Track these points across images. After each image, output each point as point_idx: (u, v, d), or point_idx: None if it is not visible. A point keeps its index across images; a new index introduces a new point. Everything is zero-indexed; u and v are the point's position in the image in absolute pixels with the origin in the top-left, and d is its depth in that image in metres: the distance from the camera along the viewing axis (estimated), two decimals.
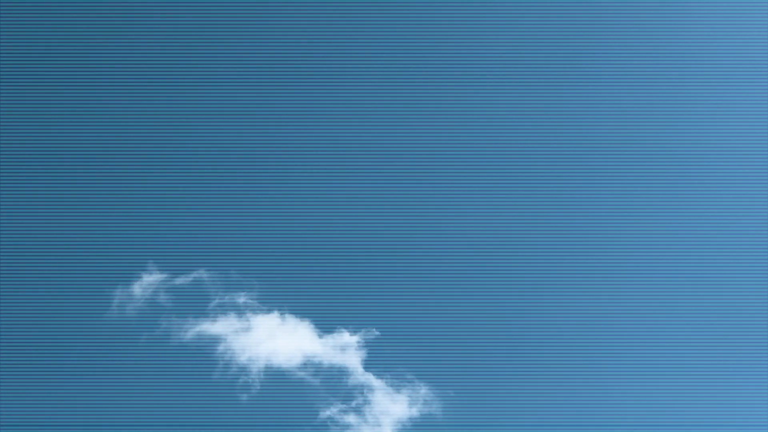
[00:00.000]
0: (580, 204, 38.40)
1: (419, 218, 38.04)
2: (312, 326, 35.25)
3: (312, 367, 34.59)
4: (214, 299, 35.70)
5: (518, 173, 38.98)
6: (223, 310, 35.49)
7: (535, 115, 40.23)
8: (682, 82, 40.74)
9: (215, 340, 34.88)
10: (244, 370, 34.37)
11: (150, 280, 36.01)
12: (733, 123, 39.98)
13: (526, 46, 41.57)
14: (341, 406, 33.83)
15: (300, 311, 35.40)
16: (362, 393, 34.12)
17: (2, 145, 38.64)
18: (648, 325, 35.83)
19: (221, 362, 34.42)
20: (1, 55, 39.91)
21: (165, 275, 36.07)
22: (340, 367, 34.67)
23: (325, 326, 35.26)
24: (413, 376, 34.20)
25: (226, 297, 35.70)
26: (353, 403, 33.93)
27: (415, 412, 33.83)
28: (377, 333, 35.23)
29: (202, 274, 36.03)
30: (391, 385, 34.15)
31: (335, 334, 35.18)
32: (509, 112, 40.33)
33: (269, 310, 35.46)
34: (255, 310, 35.48)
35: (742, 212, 38.14)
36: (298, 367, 34.55)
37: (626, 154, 39.53)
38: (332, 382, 34.41)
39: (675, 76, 40.85)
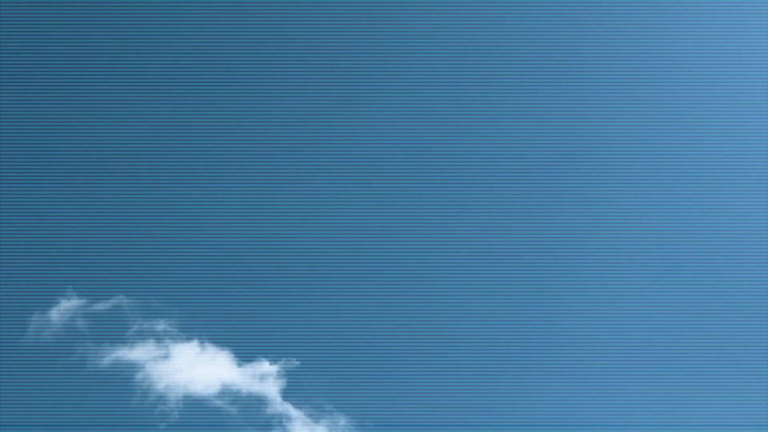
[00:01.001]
0: (545, 207, 38.84)
1: (336, 247, 38.18)
2: (231, 355, 35.20)
3: (230, 395, 34.49)
4: (133, 326, 35.47)
5: (480, 179, 39.42)
6: (142, 337, 35.26)
7: (532, 115, 40.61)
8: (681, 82, 41.23)
9: (133, 367, 34.61)
10: (161, 398, 34.13)
11: (68, 305, 35.62)
12: (731, 123, 40.49)
13: (524, 46, 42.02)
14: None
15: (220, 340, 35.33)
16: (280, 423, 34.10)
17: None
18: (619, 327, 36.37)
19: (139, 390, 34.16)
20: None
21: (84, 300, 35.73)
22: (258, 396, 34.62)
23: (244, 355, 35.24)
24: (332, 407, 34.30)
25: (146, 324, 35.48)
26: None
27: None
28: (297, 363, 35.30)
29: (121, 300, 35.75)
30: (310, 416, 34.20)
31: (255, 363, 35.15)
32: (501, 112, 40.79)
33: (189, 338, 35.31)
34: (174, 338, 35.31)
35: (740, 212, 38.71)
36: (216, 396, 34.43)
37: (622, 154, 40.02)
38: (250, 411, 34.34)
39: (674, 76, 41.41)
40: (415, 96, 40.81)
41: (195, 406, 34.12)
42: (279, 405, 34.43)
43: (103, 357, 34.66)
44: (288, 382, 34.96)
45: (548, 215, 38.83)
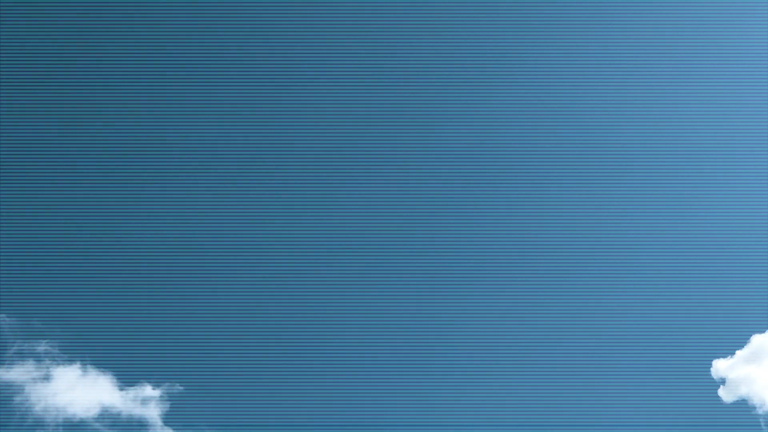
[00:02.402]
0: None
1: (223, 271, 38.21)
2: (113, 378, 34.88)
3: (110, 419, 34.18)
4: (13, 346, 34.84)
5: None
6: (22, 357, 34.67)
7: (531, 115, 41.22)
8: (681, 82, 42.14)
9: (11, 388, 34.01)
10: (40, 421, 33.64)
11: None
12: (731, 123, 41.55)
13: (524, 46, 42.60)
14: None
15: (102, 363, 34.98)
16: None
17: None
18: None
19: (17, 412, 33.60)
20: None
21: None
22: (139, 420, 34.41)
23: (127, 379, 34.97)
24: None
25: (26, 344, 34.90)
26: None
27: None
28: (180, 387, 35.16)
29: (2, 319, 35.12)
30: None
31: (137, 387, 34.91)
32: (500, 112, 41.23)
33: (70, 361, 34.89)
34: (55, 360, 34.83)
35: (738, 212, 39.88)
36: (96, 419, 34.08)
37: (616, 154, 40.76)
38: None
39: (674, 76, 42.28)
40: (413, 96, 41.26)
41: (73, 430, 33.71)
42: (159, 429, 34.26)
43: None
44: (171, 406, 34.83)
45: (541, 215, 39.59)
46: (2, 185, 38.42)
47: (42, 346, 34.86)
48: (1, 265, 36.70)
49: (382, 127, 40.72)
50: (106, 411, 34.20)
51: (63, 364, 34.75)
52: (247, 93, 40.60)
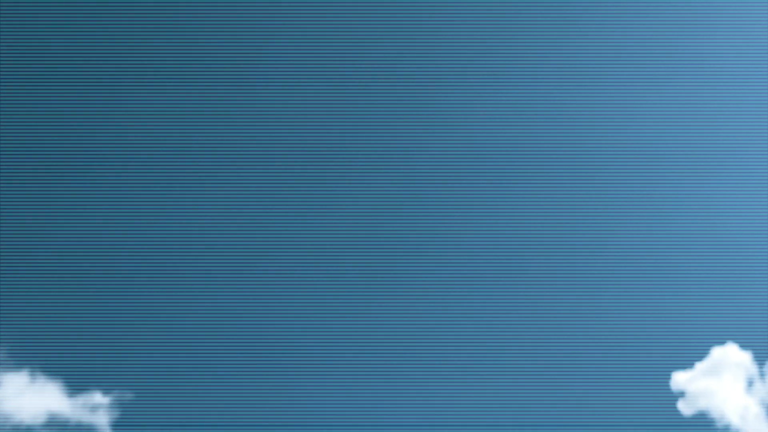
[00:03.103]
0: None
1: (176, 278, 37.97)
2: (63, 385, 34.66)
3: (57, 426, 33.95)
4: None
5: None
6: None
7: (530, 115, 40.90)
8: (681, 82, 41.70)
9: None
10: None
11: None
12: (729, 123, 41.13)
13: (524, 46, 42.24)
14: None
15: (51, 369, 34.77)
16: None
17: None
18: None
19: None
20: None
21: None
22: (88, 427, 34.17)
23: (76, 385, 34.73)
24: None
25: None
26: None
27: None
28: (131, 395, 34.92)
29: None
30: None
31: (86, 394, 34.67)
32: (498, 112, 40.90)
33: (18, 367, 34.68)
34: (3, 366, 34.60)
35: (702, 227, 39.47)
36: (43, 426, 33.86)
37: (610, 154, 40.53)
38: None
39: (674, 76, 41.86)
40: (410, 96, 40.98)
41: None
42: None
43: None
44: (121, 413, 34.59)
45: (525, 216, 39.32)
46: None
47: None
48: None
49: (377, 127, 40.67)
50: (55, 418, 34.04)
51: (10, 370, 34.61)
52: (246, 93, 40.54)
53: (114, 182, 39.34)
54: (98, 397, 34.72)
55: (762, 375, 36.18)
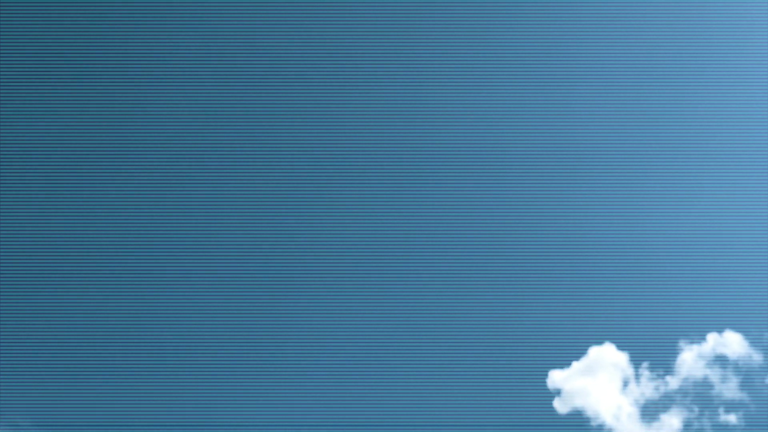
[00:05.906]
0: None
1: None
2: None
3: None
4: None
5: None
6: None
7: (529, 115, 41.17)
8: (681, 82, 41.98)
9: None
10: None
11: None
12: (729, 122, 41.34)
13: (523, 46, 42.46)
14: None
15: None
16: None
17: None
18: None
19: None
20: None
21: None
22: None
23: None
24: None
25: None
26: None
27: None
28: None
29: None
30: None
31: None
32: (496, 112, 41.18)
33: None
34: None
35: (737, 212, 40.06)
36: None
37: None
38: None
39: (674, 76, 42.11)
40: (408, 96, 41.29)
41: None
42: None
43: None
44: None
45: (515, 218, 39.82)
46: None
47: None
48: None
49: (376, 128, 41.07)
50: None
51: None
52: (245, 93, 40.87)
53: (101, 185, 39.45)
54: None
55: (637, 376, 36.71)
